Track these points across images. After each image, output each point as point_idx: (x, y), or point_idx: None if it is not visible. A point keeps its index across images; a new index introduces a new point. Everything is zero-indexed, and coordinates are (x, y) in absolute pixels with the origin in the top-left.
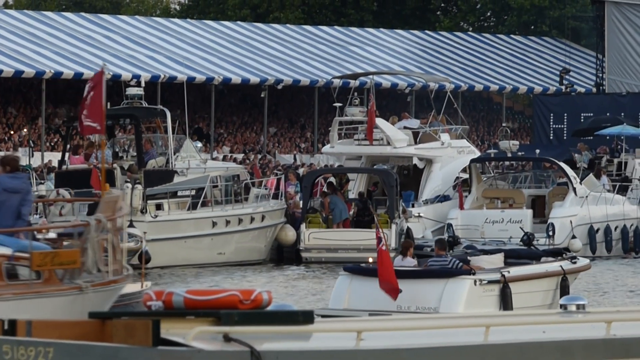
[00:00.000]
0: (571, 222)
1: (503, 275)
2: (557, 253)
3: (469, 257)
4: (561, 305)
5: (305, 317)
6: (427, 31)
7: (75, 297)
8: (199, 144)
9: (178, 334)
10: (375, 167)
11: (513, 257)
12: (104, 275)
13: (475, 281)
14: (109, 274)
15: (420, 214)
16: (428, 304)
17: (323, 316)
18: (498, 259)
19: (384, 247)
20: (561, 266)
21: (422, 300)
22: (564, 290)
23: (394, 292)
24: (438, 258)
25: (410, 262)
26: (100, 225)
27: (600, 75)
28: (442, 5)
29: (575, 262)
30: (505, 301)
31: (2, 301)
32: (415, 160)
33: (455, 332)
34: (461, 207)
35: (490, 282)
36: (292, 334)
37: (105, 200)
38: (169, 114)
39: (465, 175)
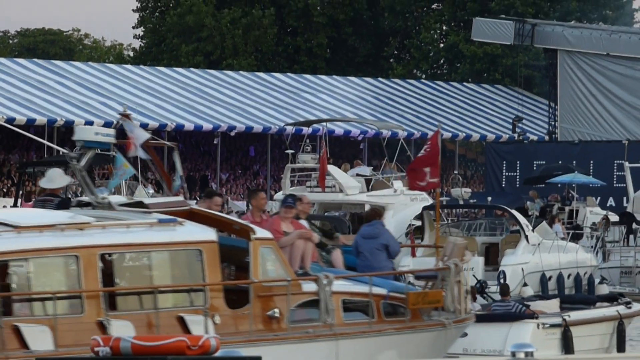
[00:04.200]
0: (522, 269)
1: (564, 319)
2: (612, 298)
3: (527, 302)
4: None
5: None
6: (380, 78)
7: (439, 332)
8: (151, 191)
9: None
10: (327, 214)
11: (568, 302)
12: (458, 313)
13: (538, 325)
14: (461, 312)
15: None
16: (493, 347)
17: None
18: (554, 304)
19: None
20: (617, 311)
21: (487, 343)
22: (621, 334)
23: None
24: (502, 302)
25: (474, 307)
26: (457, 269)
27: (553, 123)
28: (395, 52)
29: (630, 307)
30: (567, 344)
31: (383, 336)
32: (367, 208)
33: None
34: (413, 254)
35: (552, 325)
36: None
37: (458, 245)
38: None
39: (418, 223)
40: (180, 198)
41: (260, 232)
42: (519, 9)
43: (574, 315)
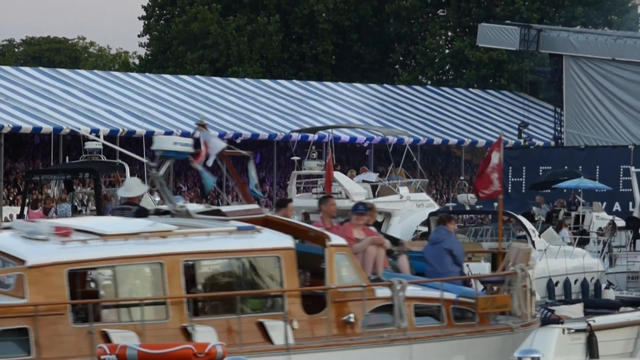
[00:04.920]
0: None
1: (589, 324)
2: (637, 303)
3: (551, 307)
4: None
5: None
6: (385, 85)
7: (507, 336)
8: (157, 198)
9: None
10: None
11: (592, 306)
12: (524, 318)
13: (563, 330)
14: (527, 316)
15: None
16: (517, 353)
17: None
18: (578, 309)
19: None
20: None
21: None
22: None
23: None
24: None
25: None
26: (523, 274)
27: (559, 128)
28: (401, 59)
29: None
30: (592, 349)
31: (453, 340)
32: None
33: None
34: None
35: (577, 330)
36: None
37: (523, 251)
38: (127, 168)
39: (424, 229)
40: (256, 206)
41: (335, 239)
42: (524, 15)
43: (599, 320)
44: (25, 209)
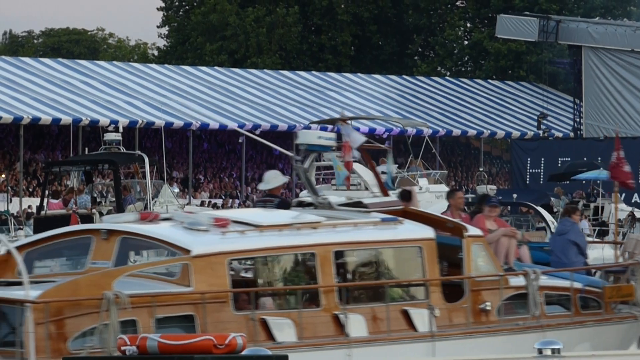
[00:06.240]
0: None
1: None
2: None
3: None
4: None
5: None
6: (404, 76)
7: (631, 325)
8: (177, 190)
9: None
10: None
11: None
12: None
13: None
14: None
15: None
16: None
17: None
18: None
19: None
20: None
21: None
22: None
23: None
24: None
25: None
26: None
27: (578, 120)
28: (420, 50)
29: None
30: None
31: (582, 328)
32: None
33: None
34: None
35: None
36: None
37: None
38: (147, 159)
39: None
40: (394, 198)
41: (472, 230)
42: (543, 6)
43: None
44: (45, 200)
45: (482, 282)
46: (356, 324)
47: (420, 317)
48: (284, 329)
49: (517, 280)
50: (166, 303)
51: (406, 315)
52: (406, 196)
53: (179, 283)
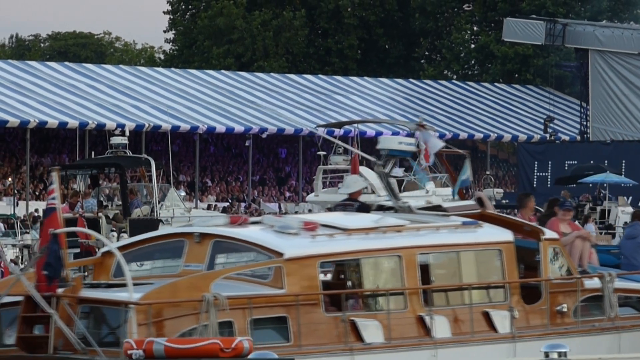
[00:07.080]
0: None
1: None
2: None
3: None
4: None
5: None
6: (411, 79)
7: None
8: (183, 193)
9: None
10: None
11: None
12: None
13: None
14: None
15: None
16: None
17: None
18: None
19: None
20: None
21: None
22: None
23: None
24: None
25: None
26: None
27: (585, 123)
28: (426, 53)
29: None
30: None
31: None
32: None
33: None
34: None
35: None
36: None
37: None
38: (153, 163)
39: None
40: (473, 202)
41: (549, 233)
42: (549, 9)
43: None
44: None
45: (559, 284)
46: (440, 325)
47: (501, 319)
48: (373, 330)
49: (592, 283)
50: (261, 305)
51: (487, 316)
52: (480, 202)
53: (271, 285)
